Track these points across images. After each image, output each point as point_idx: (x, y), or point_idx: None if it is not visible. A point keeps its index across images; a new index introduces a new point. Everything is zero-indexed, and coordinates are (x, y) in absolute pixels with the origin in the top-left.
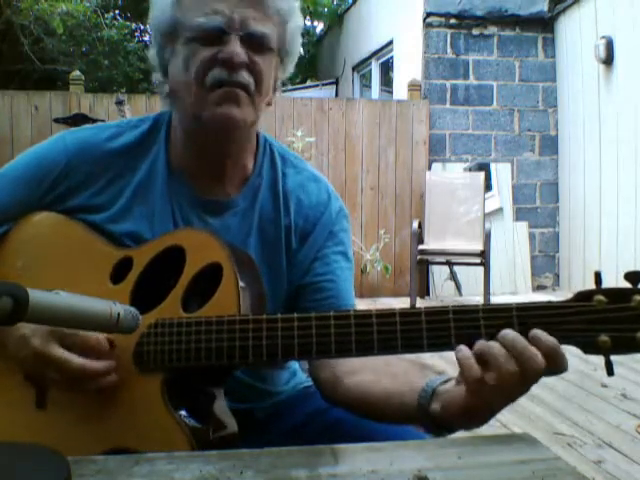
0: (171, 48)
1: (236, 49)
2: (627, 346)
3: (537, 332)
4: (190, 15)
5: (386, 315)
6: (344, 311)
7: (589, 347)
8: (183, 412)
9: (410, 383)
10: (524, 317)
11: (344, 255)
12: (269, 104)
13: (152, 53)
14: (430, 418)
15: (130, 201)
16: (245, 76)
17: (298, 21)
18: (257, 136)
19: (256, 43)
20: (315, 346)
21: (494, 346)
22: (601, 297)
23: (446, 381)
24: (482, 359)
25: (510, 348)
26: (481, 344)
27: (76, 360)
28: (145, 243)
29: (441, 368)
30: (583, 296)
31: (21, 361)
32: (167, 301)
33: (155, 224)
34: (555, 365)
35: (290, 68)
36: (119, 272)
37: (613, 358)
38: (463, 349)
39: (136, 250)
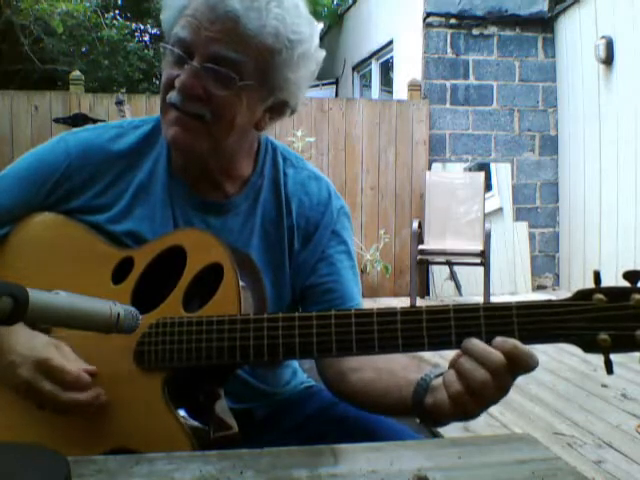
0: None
1: (188, 80)
2: (627, 344)
3: (497, 338)
4: (175, 29)
5: (387, 314)
6: (345, 310)
7: (589, 346)
8: (182, 412)
9: (408, 378)
10: (524, 316)
11: (347, 254)
12: (259, 129)
13: None
14: (424, 410)
15: (131, 202)
16: (197, 107)
17: (295, 52)
18: (259, 138)
19: (221, 76)
20: (316, 345)
21: (464, 361)
22: (601, 296)
23: (439, 375)
24: (459, 373)
25: (476, 356)
26: (454, 360)
27: (63, 395)
28: (146, 243)
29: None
30: (583, 295)
31: (14, 387)
32: (168, 301)
33: (156, 225)
34: (521, 363)
35: (292, 96)
36: (120, 272)
37: (613, 357)
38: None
39: (137, 250)
